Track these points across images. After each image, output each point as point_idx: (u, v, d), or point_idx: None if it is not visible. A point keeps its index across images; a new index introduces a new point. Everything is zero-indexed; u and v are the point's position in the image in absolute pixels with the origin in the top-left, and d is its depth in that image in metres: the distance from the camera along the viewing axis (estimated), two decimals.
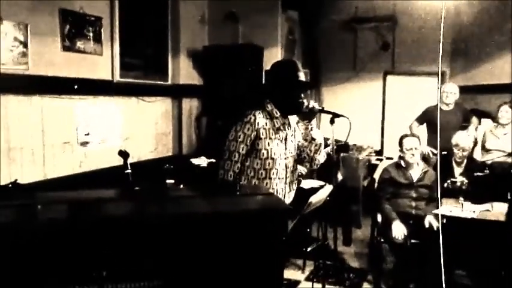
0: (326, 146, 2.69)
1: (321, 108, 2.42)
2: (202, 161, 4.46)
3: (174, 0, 4.62)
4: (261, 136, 2.35)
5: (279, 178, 2.43)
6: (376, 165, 5.09)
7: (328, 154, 2.82)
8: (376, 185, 4.06)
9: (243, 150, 2.34)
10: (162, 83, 4.58)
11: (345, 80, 6.29)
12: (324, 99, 6.33)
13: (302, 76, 2.40)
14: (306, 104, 2.38)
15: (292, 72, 2.38)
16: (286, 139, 2.47)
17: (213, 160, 4.31)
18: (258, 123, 2.34)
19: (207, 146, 4.86)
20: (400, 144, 3.85)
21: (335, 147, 2.55)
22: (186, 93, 4.84)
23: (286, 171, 2.47)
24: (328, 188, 2.87)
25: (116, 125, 3.98)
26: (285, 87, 2.38)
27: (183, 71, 4.78)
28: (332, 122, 2.39)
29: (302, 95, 2.39)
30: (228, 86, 4.69)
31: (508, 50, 4.97)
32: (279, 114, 2.42)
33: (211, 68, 4.87)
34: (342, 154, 4.83)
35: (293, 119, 2.57)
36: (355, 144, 5.65)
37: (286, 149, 2.46)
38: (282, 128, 2.43)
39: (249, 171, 2.38)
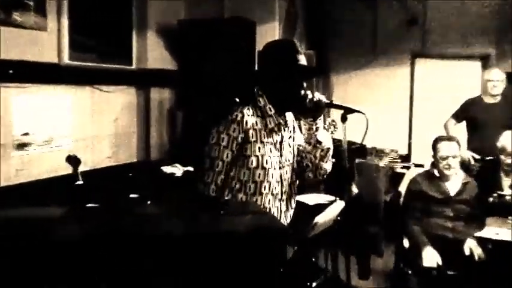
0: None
1: (329, 101, 2.43)
2: (176, 170, 4.45)
3: None
4: (250, 139, 2.35)
5: (272, 194, 2.43)
6: (402, 175, 5.11)
7: (339, 160, 2.83)
8: (401, 200, 4.08)
9: (227, 157, 2.34)
10: (124, 67, 4.56)
11: (361, 65, 6.31)
12: (333, 90, 6.34)
13: (303, 60, 2.41)
14: (309, 96, 2.38)
15: (290, 54, 2.39)
16: (282, 143, 2.47)
17: (190, 168, 4.30)
18: (246, 122, 2.34)
19: (182, 149, 4.85)
20: (434, 149, 3.87)
21: (346, 150, 2.55)
22: (156, 81, 4.83)
23: (281, 184, 2.47)
24: (339, 205, 2.87)
25: (63, 122, 3.96)
26: (281, 75, 2.38)
27: (152, 52, 4.77)
28: (344, 119, 2.40)
29: (304, 85, 2.40)
30: (210, 72, 4.68)
31: None
32: (273, 111, 2.42)
33: (188, 49, 4.86)
34: (357, 160, 4.84)
35: (291, 117, 2.57)
36: (374, 148, 5.67)
37: (281, 156, 2.47)
38: (276, 129, 2.44)
39: (233, 184, 2.38)
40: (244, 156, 2.36)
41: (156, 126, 4.90)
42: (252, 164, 2.37)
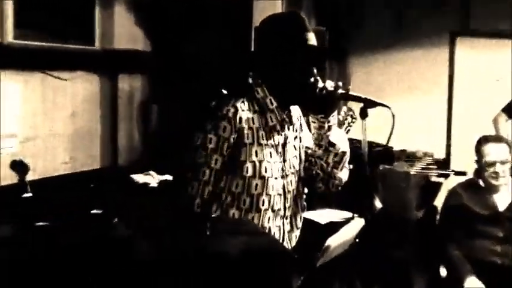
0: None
1: (345, 92, 2.43)
2: (150, 179, 4.45)
3: None
4: (245, 140, 2.35)
5: (273, 209, 2.43)
6: (438, 185, 5.11)
7: (357, 166, 2.83)
8: (438, 217, 4.09)
9: (216, 163, 2.34)
10: (84, 47, 4.56)
11: (387, 46, 6.31)
12: (351, 77, 6.35)
13: (313, 39, 2.41)
14: (320, 85, 2.39)
15: (297, 32, 2.40)
16: (285, 146, 2.48)
17: (169, 177, 4.30)
18: (240, 118, 2.34)
19: (158, 153, 4.85)
20: (478, 152, 3.88)
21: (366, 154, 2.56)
22: (125, 66, 4.83)
23: (284, 197, 2.48)
24: (358, 224, 2.88)
25: (7, 118, 3.96)
26: (285, 58, 2.38)
27: (120, 28, 4.77)
28: (364, 114, 2.40)
29: (314, 71, 2.41)
30: (194, 55, 4.68)
31: None
32: (274, 104, 2.42)
33: (166, 25, 4.86)
34: (381, 166, 4.85)
35: (297, 112, 2.58)
36: (403, 150, 5.67)
37: (284, 161, 2.47)
38: (279, 127, 2.44)
39: (224, 197, 2.38)
40: (238, 162, 2.36)
41: (125, 123, 4.90)
42: (247, 172, 2.36)
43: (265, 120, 2.41)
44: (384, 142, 2.56)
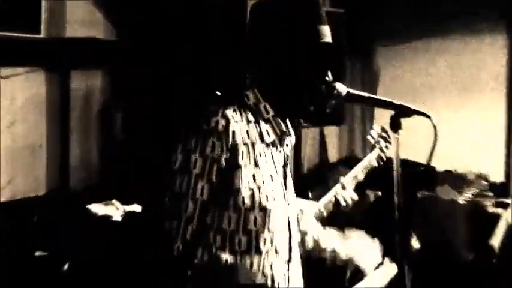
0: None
1: (372, 96, 2.45)
2: (112, 210, 4.44)
3: None
4: (240, 161, 2.33)
5: (276, 251, 2.43)
6: (495, 218, 5.12)
7: (387, 193, 2.84)
8: (495, 259, 4.10)
9: (203, 193, 2.31)
10: (26, 36, 4.57)
11: (423, 34, 6.33)
12: (379, 76, 6.35)
13: (327, 34, 2.39)
14: (339, 89, 2.39)
15: (306, 21, 2.38)
16: (286, 167, 2.48)
17: (136, 209, 4.30)
18: (233, 133, 2.32)
19: (123, 175, 4.86)
20: None
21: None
22: (79, 59, 4.84)
23: (290, 235, 2.47)
24: (389, 269, 2.89)
25: None
26: (287, 54, 2.38)
27: (73, 11, 4.79)
28: (397, 125, 2.41)
29: (329, 74, 2.40)
30: (172, 45, 4.70)
31: None
32: (270, 113, 2.40)
33: (133, 6, 4.88)
34: (420, 193, 4.86)
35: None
36: (449, 172, 5.69)
37: (286, 187, 2.48)
38: (277, 141, 2.43)
39: (212, 237, 2.37)
40: (230, 190, 2.35)
41: (79, 135, 4.91)
42: (243, 202, 2.34)
43: (260, 133, 2.38)
44: (423, 161, 2.56)
